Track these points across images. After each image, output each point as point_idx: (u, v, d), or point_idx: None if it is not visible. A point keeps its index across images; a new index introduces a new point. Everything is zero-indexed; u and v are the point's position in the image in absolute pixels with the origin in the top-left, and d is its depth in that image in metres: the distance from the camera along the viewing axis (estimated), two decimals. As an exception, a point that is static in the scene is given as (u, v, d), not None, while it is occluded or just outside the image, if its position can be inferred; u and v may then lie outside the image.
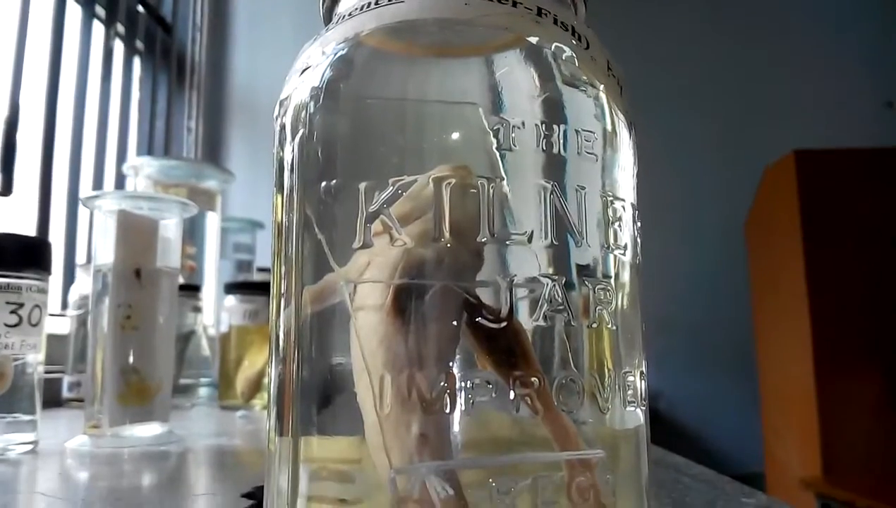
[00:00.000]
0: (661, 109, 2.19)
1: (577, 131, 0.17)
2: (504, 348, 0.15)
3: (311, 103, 0.17)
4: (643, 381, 0.18)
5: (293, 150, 0.18)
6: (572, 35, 0.18)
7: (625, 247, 0.18)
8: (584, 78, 0.18)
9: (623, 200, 0.18)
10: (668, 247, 2.52)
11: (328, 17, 0.20)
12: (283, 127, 0.18)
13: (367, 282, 0.15)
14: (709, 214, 2.55)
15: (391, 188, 0.15)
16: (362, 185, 0.15)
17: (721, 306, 2.55)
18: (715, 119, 2.29)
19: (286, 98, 0.18)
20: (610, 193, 0.18)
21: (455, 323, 0.15)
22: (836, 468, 1.63)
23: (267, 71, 1.33)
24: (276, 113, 0.19)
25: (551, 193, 0.16)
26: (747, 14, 2.26)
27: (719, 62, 2.27)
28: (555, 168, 0.17)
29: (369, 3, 0.18)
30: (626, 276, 0.18)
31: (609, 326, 0.17)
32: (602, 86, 0.18)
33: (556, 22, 0.18)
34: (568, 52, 0.17)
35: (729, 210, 2.41)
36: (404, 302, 0.15)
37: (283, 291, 0.17)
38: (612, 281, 0.17)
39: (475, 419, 0.15)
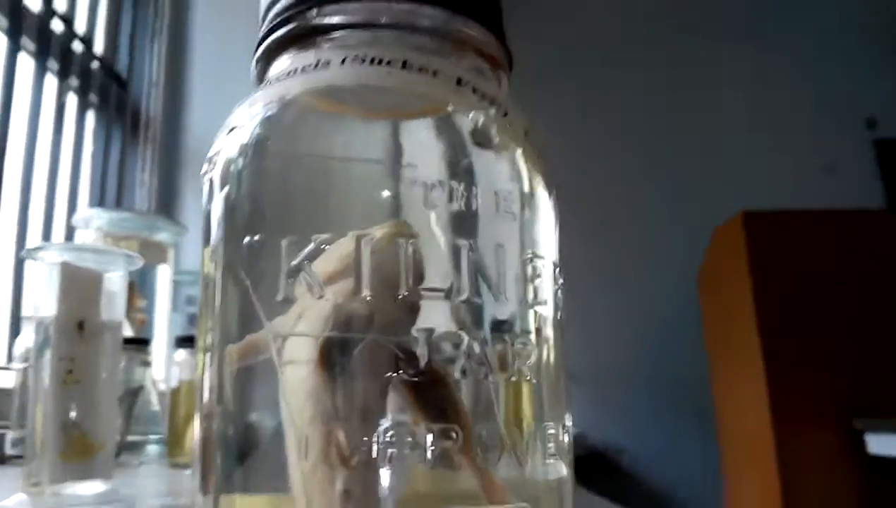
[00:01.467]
0: (614, 169, 2.26)
1: (494, 192, 0.18)
2: (431, 402, 0.15)
3: (239, 159, 0.18)
4: (566, 434, 0.18)
5: (220, 205, 0.18)
6: (490, 103, 0.19)
7: (545, 303, 0.19)
8: (500, 142, 0.19)
9: (543, 258, 0.19)
10: (625, 300, 2.56)
11: (259, 80, 0.21)
12: (210, 182, 0.19)
13: (296, 336, 0.16)
14: (663, 269, 2.60)
15: (313, 244, 0.16)
16: (284, 241, 0.16)
17: (679, 357, 2.59)
18: (667, 178, 2.37)
19: (215, 154, 0.19)
20: (530, 251, 0.19)
21: (384, 376, 0.15)
22: (795, 517, 1.65)
23: (222, 124, 1.33)
24: (203, 169, 0.19)
25: (469, 250, 0.17)
26: (697, 79, 2.36)
27: (672, 124, 2.35)
28: (471, 226, 0.18)
29: (296, 69, 0.19)
30: (547, 331, 0.19)
31: (529, 379, 0.17)
32: (519, 150, 0.19)
33: (474, 91, 0.19)
34: (483, 118, 0.19)
35: (682, 265, 2.46)
36: (333, 356, 0.15)
37: (208, 345, 0.18)
38: (532, 335, 0.18)
39: (401, 473, 0.15)
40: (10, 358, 0.90)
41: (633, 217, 2.55)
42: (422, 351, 0.16)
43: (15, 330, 0.96)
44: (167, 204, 1.39)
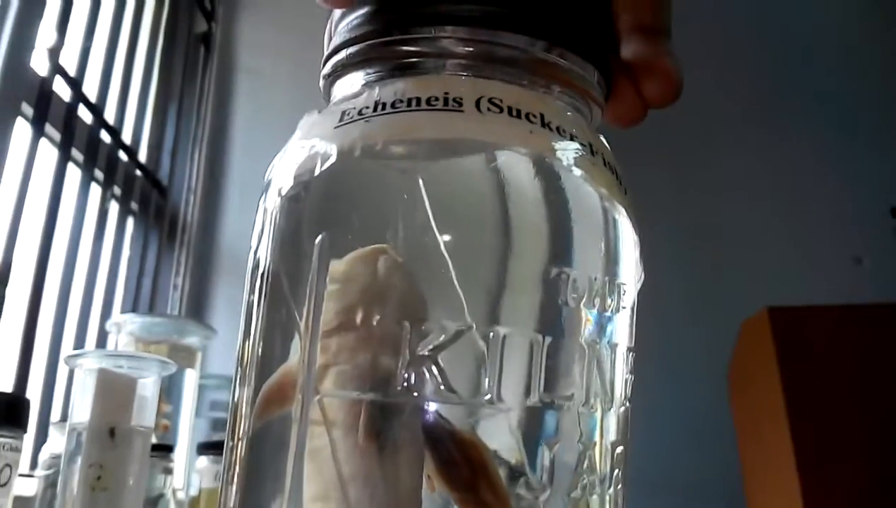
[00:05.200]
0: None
1: (618, 285, 0.17)
2: (476, 479, 0.15)
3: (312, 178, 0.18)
4: None
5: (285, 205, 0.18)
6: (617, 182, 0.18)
7: (629, 399, 0.18)
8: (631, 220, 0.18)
9: (632, 353, 0.18)
10: (653, 401, 2.49)
11: (328, 93, 0.21)
12: (270, 183, 0.19)
13: (332, 397, 0.15)
14: (691, 369, 2.54)
15: (443, 335, 0.15)
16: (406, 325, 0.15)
17: (712, 461, 2.49)
18: (693, 271, 2.35)
19: (285, 168, 0.19)
20: (629, 346, 0.18)
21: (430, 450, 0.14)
22: None
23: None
24: (268, 173, 0.19)
25: (596, 353, 0.16)
26: (719, 170, 2.38)
27: (694, 216, 2.36)
28: (604, 325, 0.17)
29: (384, 105, 0.18)
30: (628, 432, 0.18)
31: (619, 489, 0.17)
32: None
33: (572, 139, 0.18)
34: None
35: (712, 364, 2.41)
36: (378, 423, 0.14)
37: (244, 366, 0.17)
38: (625, 435, 0.17)
39: None
40: (34, 465, 0.89)
41: (654, 313, 2.50)
42: (543, 464, 0.15)
43: (41, 437, 0.96)
44: (198, 307, 1.42)
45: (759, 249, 2.36)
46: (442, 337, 0.15)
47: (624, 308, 0.18)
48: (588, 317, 0.17)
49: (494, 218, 0.17)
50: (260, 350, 0.18)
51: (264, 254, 0.18)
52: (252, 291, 0.18)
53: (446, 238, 0.16)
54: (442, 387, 0.14)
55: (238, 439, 0.17)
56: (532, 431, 0.15)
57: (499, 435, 0.15)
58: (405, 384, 0.14)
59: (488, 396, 0.15)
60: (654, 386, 2.43)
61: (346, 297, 0.16)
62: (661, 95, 0.22)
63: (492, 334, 0.15)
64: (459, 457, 0.15)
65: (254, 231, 0.19)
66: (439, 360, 0.15)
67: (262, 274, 0.18)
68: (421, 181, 0.17)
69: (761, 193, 2.40)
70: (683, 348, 2.57)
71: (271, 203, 0.19)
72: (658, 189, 2.40)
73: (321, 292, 0.15)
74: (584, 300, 0.16)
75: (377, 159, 0.18)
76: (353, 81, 0.20)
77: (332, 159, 0.17)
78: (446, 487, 0.15)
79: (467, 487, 0.14)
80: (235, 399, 0.18)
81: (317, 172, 0.18)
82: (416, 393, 0.15)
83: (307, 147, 0.18)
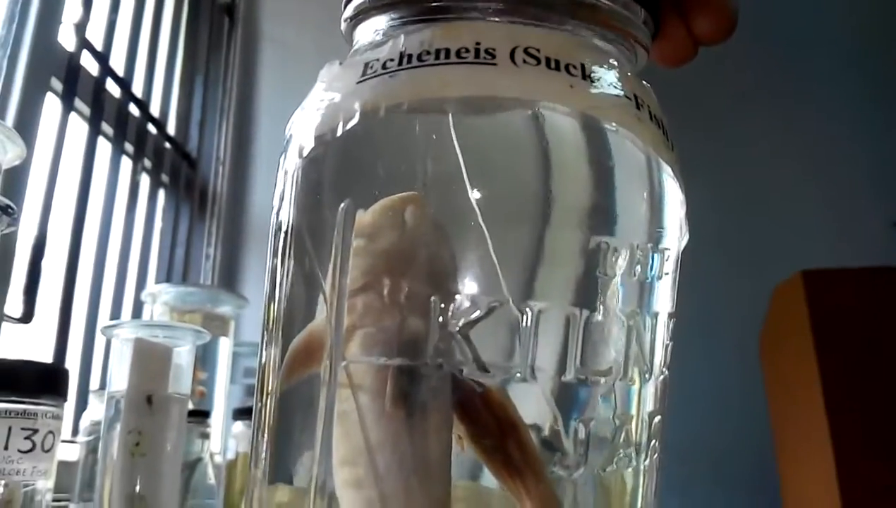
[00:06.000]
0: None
1: (661, 250, 0.16)
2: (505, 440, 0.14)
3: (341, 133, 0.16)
4: None
5: (305, 162, 0.17)
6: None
7: (668, 366, 0.17)
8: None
9: (673, 318, 0.17)
10: (684, 371, 2.48)
11: (350, 37, 0.20)
12: (290, 141, 0.18)
13: (359, 362, 0.14)
14: (722, 336, 2.53)
15: (479, 310, 0.14)
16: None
17: (742, 429, 2.48)
18: (725, 236, 2.32)
19: (306, 125, 0.18)
20: (671, 314, 0.17)
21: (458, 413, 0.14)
22: None
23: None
24: (288, 129, 0.18)
25: (635, 325, 0.15)
26: (752, 136, 2.33)
27: (728, 181, 2.32)
28: (643, 294, 0.16)
29: (410, 57, 0.17)
30: (665, 400, 0.17)
31: (655, 460, 0.16)
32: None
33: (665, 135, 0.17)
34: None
35: (743, 331, 2.39)
36: (405, 388, 0.14)
37: (270, 327, 0.17)
38: (663, 405, 0.17)
39: None
40: (75, 432, 0.92)
41: (686, 279, 2.48)
42: (577, 439, 0.14)
43: (82, 404, 0.99)
44: (230, 276, 1.43)
45: (793, 214, 2.31)
46: (475, 313, 0.14)
47: (667, 274, 0.17)
48: (628, 287, 0.16)
49: (533, 183, 0.16)
50: (285, 311, 0.17)
51: (286, 216, 0.18)
52: (275, 254, 0.18)
53: (478, 198, 0.15)
54: (473, 363, 0.14)
55: (266, 398, 0.17)
56: (567, 407, 0.15)
57: (531, 411, 0.15)
58: (434, 356, 0.14)
59: (520, 373, 0.14)
60: (685, 353, 2.41)
61: (372, 255, 0.15)
62: (713, 32, 0.21)
63: (527, 309, 0.14)
64: (488, 416, 0.14)
65: (275, 193, 0.18)
66: (470, 336, 0.14)
67: (285, 235, 0.18)
68: (452, 140, 0.16)
69: (795, 156, 2.34)
70: (715, 314, 2.55)
71: (291, 163, 0.18)
72: (688, 150, 2.36)
73: (347, 254, 0.15)
74: (624, 270, 0.15)
75: (402, 119, 0.17)
76: (377, 25, 0.18)
77: (355, 119, 0.16)
78: (474, 447, 0.14)
79: (495, 446, 0.14)
80: (263, 360, 0.18)
81: (339, 133, 0.16)
82: (444, 365, 0.14)
83: (328, 102, 0.17)
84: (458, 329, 0.14)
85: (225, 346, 1.08)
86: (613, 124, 0.16)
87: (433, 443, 0.14)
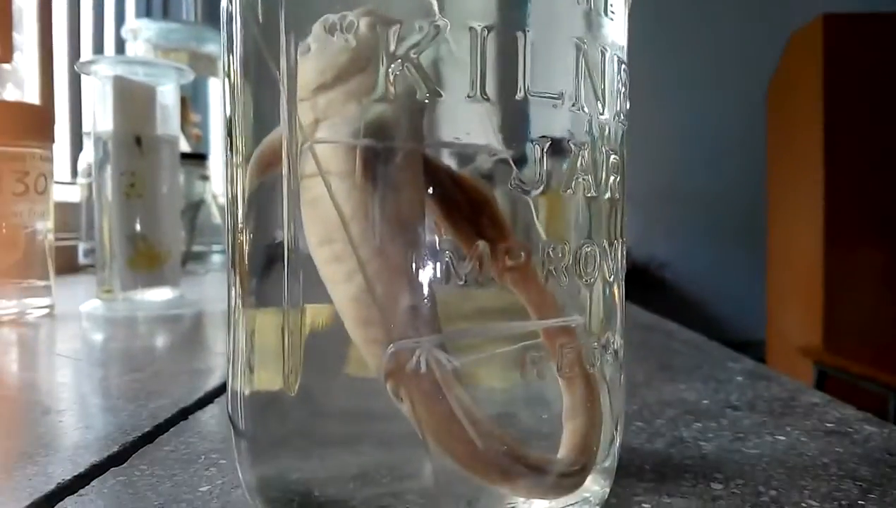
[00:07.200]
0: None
1: None
2: (475, 215, 0.15)
3: None
4: (623, 251, 0.18)
5: None
6: None
7: (625, 115, 0.17)
8: None
9: (626, 66, 0.17)
10: (687, 113, 2.46)
11: None
12: None
13: (324, 144, 0.14)
14: (730, 83, 2.47)
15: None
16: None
17: (735, 175, 2.53)
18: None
19: None
20: (621, 57, 0.17)
21: (425, 189, 0.14)
22: (836, 337, 1.67)
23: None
24: None
25: (583, 53, 0.15)
26: None
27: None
28: (591, 25, 0.16)
29: None
30: (625, 147, 0.17)
31: (616, 197, 0.16)
32: None
33: None
34: None
35: (751, 79, 2.33)
36: (374, 167, 0.14)
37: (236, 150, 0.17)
38: (621, 149, 0.17)
39: (459, 290, 0.15)
40: (74, 174, 0.92)
41: (703, 26, 2.39)
42: (536, 161, 0.14)
43: (76, 146, 0.98)
44: (214, 12, 1.35)
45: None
46: (418, 37, 0.14)
47: (614, 13, 0.16)
48: (576, 13, 0.15)
49: None
50: (243, 113, 0.16)
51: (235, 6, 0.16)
52: (230, 50, 0.16)
53: None
54: (424, 87, 0.14)
55: (236, 199, 0.16)
56: (521, 127, 0.15)
57: (486, 132, 0.15)
58: (387, 89, 0.14)
59: (471, 94, 0.14)
60: (690, 98, 2.37)
61: (327, 52, 0.14)
62: None
63: (471, 30, 0.14)
64: (461, 197, 0.15)
65: None
66: (419, 61, 0.14)
67: (235, 29, 0.16)
68: None
69: None
70: (725, 61, 2.47)
71: None
72: None
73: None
74: None
75: None
76: None
77: None
78: (449, 227, 0.15)
79: (469, 224, 0.15)
80: (228, 168, 0.17)
81: None
82: (397, 93, 0.14)
83: None
84: (404, 53, 0.14)
85: (216, 87, 1.05)
86: None
87: (405, 209, 0.14)
